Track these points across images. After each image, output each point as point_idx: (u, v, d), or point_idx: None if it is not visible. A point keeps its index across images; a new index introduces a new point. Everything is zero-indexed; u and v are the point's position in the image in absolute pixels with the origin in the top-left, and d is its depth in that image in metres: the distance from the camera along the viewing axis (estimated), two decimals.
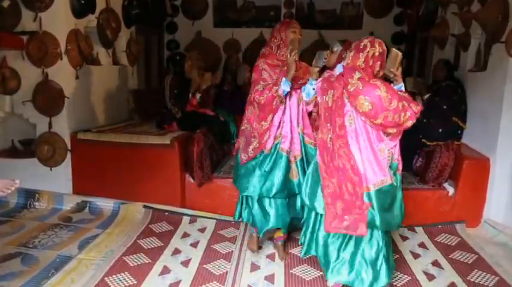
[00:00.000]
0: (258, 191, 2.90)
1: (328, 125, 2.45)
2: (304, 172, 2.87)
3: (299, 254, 3.11)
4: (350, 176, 2.35)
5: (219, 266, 2.98)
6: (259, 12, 7.11)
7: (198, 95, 4.53)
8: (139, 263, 3.00)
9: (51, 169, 4.16)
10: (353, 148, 2.35)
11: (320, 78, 2.64)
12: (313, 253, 2.62)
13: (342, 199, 2.38)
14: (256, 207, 2.99)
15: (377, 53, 2.32)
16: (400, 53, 2.36)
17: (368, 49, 2.31)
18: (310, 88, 2.74)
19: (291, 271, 2.93)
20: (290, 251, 3.22)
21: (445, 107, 4.13)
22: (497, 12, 3.50)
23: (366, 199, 2.34)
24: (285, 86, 2.72)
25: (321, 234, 2.54)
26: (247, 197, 3.04)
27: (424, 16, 5.76)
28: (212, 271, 2.92)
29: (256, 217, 3.00)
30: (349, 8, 7.00)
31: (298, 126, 2.93)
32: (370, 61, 2.31)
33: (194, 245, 3.34)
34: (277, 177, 2.87)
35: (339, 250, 2.50)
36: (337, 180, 2.40)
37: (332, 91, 2.43)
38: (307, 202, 2.59)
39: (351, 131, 2.35)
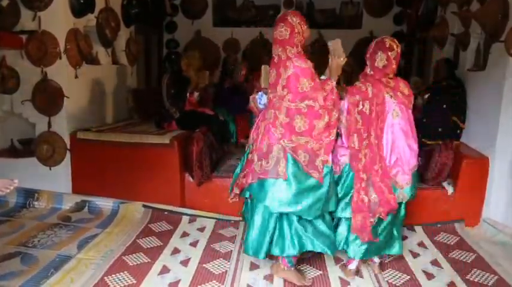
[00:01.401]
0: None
1: (365, 134, 2.65)
2: None
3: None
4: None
5: (218, 266, 2.98)
6: (259, 12, 7.12)
7: (196, 94, 4.54)
8: (139, 262, 3.00)
9: (50, 169, 4.16)
10: (399, 138, 2.66)
11: (350, 93, 2.70)
12: None
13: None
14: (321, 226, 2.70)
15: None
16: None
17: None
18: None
19: None
20: None
21: (445, 106, 4.13)
22: (497, 11, 3.51)
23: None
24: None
25: None
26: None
27: (423, 15, 5.75)
28: (211, 270, 2.92)
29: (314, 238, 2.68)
30: (348, 8, 7.00)
31: None
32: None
33: (193, 244, 3.34)
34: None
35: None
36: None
37: (367, 101, 2.63)
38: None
39: (396, 123, 2.65)
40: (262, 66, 2.95)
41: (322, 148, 2.56)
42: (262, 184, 2.59)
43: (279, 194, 2.55)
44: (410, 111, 2.72)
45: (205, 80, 4.55)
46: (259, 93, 2.96)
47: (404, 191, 2.71)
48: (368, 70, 2.74)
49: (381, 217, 2.67)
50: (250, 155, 2.77)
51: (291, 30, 2.50)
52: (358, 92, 2.67)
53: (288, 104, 2.51)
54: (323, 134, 2.54)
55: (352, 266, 2.84)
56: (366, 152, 2.65)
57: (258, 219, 2.67)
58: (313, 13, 7.10)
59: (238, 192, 2.86)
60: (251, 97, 3.08)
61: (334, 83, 2.58)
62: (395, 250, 2.90)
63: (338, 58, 2.57)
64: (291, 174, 2.53)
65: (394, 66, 2.68)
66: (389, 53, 2.64)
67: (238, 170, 3.05)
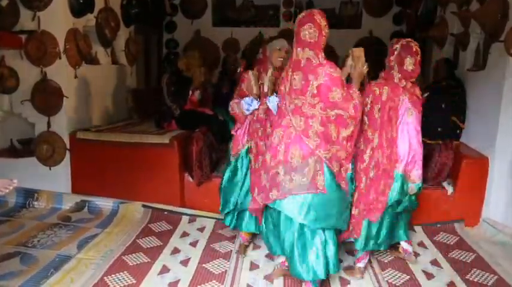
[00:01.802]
0: None
1: (373, 136, 2.72)
2: None
3: None
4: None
5: (218, 266, 2.98)
6: (259, 12, 7.11)
7: (197, 93, 4.54)
8: (139, 262, 3.00)
9: (50, 169, 4.16)
10: (413, 137, 2.78)
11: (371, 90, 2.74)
12: None
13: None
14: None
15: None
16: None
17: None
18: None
19: None
20: None
21: (444, 106, 4.12)
22: (496, 11, 3.51)
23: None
24: None
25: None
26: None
27: (423, 15, 5.75)
28: (211, 270, 2.92)
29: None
30: (348, 7, 7.00)
31: None
32: None
33: (193, 244, 3.34)
34: None
35: None
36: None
37: (378, 105, 2.67)
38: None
39: (410, 122, 2.76)
40: (250, 72, 2.96)
41: (346, 157, 2.49)
42: (298, 200, 2.38)
43: (319, 210, 2.38)
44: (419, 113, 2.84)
45: (201, 77, 4.54)
46: (248, 98, 2.92)
47: (415, 186, 2.85)
48: (395, 73, 2.76)
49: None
50: (256, 165, 2.72)
51: (319, 32, 2.35)
52: (372, 93, 2.70)
53: (320, 113, 2.37)
54: (348, 143, 2.47)
55: (362, 264, 2.85)
56: (370, 153, 2.71)
57: (300, 241, 2.46)
58: None
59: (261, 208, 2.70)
60: (233, 102, 3.02)
61: (357, 91, 2.50)
62: (399, 237, 3.00)
63: (362, 67, 2.56)
64: (329, 186, 2.40)
65: (419, 70, 2.77)
66: (417, 57, 2.72)
67: (226, 177, 3.09)
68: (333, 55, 6.69)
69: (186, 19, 7.00)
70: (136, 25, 5.57)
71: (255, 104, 2.91)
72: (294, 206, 2.39)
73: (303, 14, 2.43)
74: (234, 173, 3.14)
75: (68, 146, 4.14)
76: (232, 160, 3.14)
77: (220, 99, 5.24)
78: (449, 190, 3.74)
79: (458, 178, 3.71)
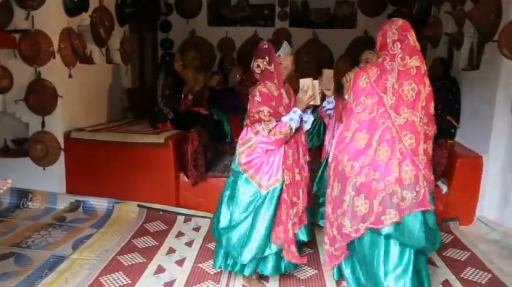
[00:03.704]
0: None
1: None
2: None
3: None
4: None
5: (213, 265, 2.97)
6: (254, 11, 7.12)
7: (190, 97, 4.54)
8: (134, 262, 2.99)
9: (44, 168, 4.14)
10: None
11: None
12: None
13: None
14: None
15: None
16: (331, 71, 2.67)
17: None
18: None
19: None
20: None
21: (440, 106, 4.14)
22: (490, 10, 3.53)
23: None
24: None
25: None
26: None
27: (417, 15, 5.77)
28: (207, 270, 2.92)
29: None
30: (343, 7, 7.03)
31: None
32: None
33: (189, 244, 3.34)
34: None
35: None
36: None
37: None
38: None
39: None
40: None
41: None
42: (413, 219, 2.15)
43: (429, 231, 2.19)
44: None
45: (200, 83, 4.55)
46: (295, 113, 2.41)
47: None
48: None
49: None
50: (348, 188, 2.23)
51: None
52: None
53: (426, 128, 2.16)
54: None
55: None
56: None
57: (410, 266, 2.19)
58: (308, 12, 7.11)
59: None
60: (274, 125, 2.35)
61: None
62: None
63: None
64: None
65: None
66: None
67: (266, 222, 2.42)
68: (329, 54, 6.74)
69: (181, 18, 6.98)
70: (131, 24, 5.55)
71: (311, 116, 2.57)
72: (413, 228, 2.15)
73: (399, 20, 2.27)
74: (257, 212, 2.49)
75: (62, 146, 4.12)
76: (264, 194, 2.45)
77: (216, 98, 5.25)
78: (444, 188, 3.76)
79: (453, 177, 3.73)
